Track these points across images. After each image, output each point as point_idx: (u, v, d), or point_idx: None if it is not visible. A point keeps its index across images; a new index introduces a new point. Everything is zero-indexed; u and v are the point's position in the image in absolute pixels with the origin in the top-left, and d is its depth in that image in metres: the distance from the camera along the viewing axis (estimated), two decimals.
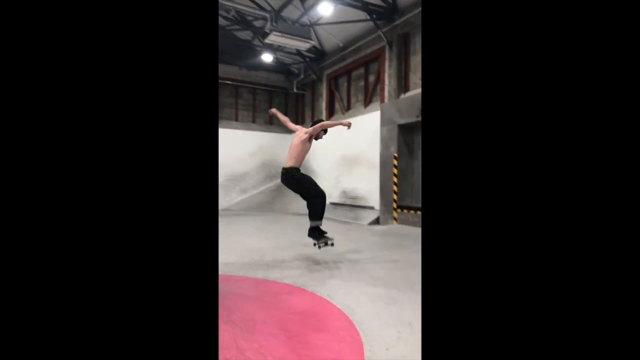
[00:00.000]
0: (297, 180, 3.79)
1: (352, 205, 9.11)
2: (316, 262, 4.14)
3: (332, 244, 3.95)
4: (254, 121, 12.15)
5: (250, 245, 5.14)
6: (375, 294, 3.01)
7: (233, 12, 8.53)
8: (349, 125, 3.81)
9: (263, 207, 11.16)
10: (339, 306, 2.69)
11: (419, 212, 6.95)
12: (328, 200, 4.45)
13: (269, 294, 2.92)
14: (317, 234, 3.86)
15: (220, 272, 3.54)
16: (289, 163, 3.79)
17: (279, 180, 12.37)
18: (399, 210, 7.40)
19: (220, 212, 10.03)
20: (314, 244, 3.99)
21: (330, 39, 9.84)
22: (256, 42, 10.26)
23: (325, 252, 4.53)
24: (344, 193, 9.63)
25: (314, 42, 8.98)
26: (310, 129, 3.79)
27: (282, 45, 8.81)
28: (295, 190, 3.92)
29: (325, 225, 4.13)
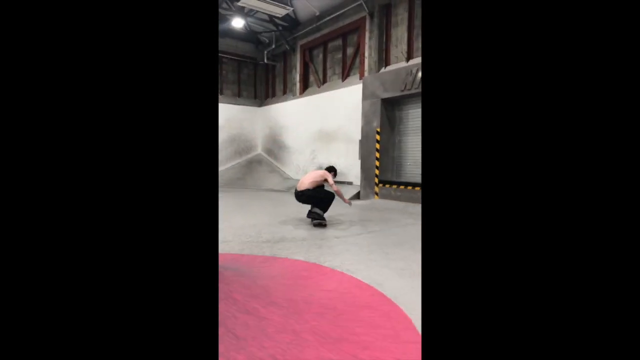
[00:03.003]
0: (312, 193, 4.63)
1: None
2: (318, 237, 4.00)
3: (325, 225, 4.66)
4: (221, 92, 11.45)
5: (239, 222, 4.87)
6: (398, 268, 2.95)
7: None
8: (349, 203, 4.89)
9: (234, 183, 10.73)
10: (364, 281, 2.59)
11: (401, 187, 7.01)
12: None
13: (291, 273, 2.73)
14: (317, 216, 4.66)
15: (222, 251, 3.29)
16: (303, 187, 4.63)
17: (249, 155, 12.01)
18: (380, 185, 7.42)
19: None
20: (312, 221, 4.71)
21: (307, 7, 9.36)
22: (224, 5, 9.48)
23: (319, 229, 4.56)
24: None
25: (291, 9, 8.49)
26: (331, 179, 4.73)
27: (255, 8, 8.20)
28: (310, 202, 4.69)
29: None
